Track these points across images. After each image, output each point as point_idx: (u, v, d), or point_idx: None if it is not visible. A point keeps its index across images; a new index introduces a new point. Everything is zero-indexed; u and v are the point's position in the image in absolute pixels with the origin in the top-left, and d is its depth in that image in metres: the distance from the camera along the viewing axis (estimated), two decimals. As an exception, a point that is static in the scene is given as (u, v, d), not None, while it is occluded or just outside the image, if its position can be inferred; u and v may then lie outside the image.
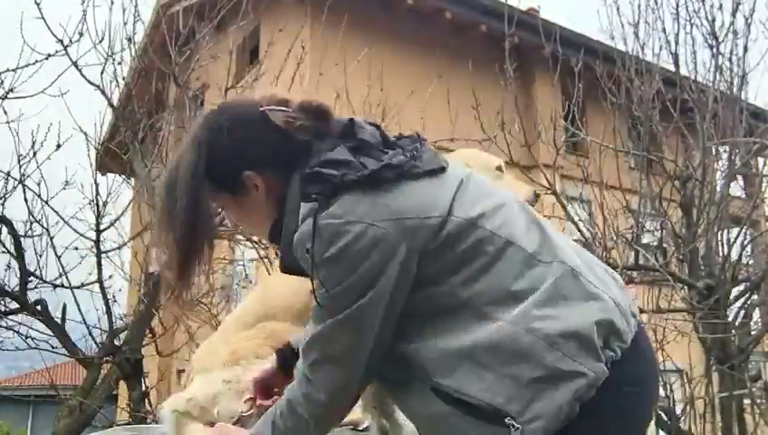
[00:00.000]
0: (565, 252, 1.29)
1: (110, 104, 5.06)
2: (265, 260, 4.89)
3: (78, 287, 4.74)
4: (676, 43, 5.55)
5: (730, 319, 5.26)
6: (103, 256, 4.71)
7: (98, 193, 4.79)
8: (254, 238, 5.08)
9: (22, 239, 4.72)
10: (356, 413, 2.01)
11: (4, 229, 4.74)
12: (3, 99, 4.65)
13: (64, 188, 4.97)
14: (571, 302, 1.22)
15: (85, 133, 4.93)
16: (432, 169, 1.30)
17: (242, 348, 1.76)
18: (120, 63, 4.97)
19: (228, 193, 1.40)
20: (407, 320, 1.28)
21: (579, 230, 5.08)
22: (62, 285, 4.74)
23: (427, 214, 1.24)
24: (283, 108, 1.35)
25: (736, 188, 6.83)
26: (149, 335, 4.90)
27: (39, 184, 4.72)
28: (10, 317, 4.83)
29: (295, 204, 1.29)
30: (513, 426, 1.16)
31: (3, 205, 4.76)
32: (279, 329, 1.80)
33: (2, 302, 4.84)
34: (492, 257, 1.25)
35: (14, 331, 4.86)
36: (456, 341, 1.22)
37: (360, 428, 1.95)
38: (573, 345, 1.18)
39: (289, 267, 1.36)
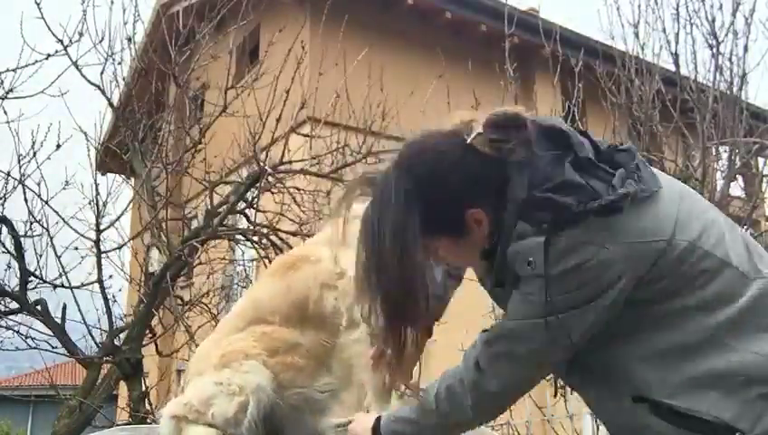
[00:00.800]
0: None
1: (110, 104, 5.06)
2: (265, 260, 4.88)
3: (78, 287, 4.73)
4: (676, 43, 5.55)
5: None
6: (103, 256, 4.70)
7: (98, 193, 4.78)
8: (254, 238, 5.08)
9: (22, 239, 4.72)
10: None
11: (4, 229, 4.73)
12: (3, 99, 4.65)
13: (64, 188, 4.97)
14: None
15: (85, 133, 4.93)
16: (655, 191, 1.29)
17: (232, 351, 1.77)
18: (119, 63, 4.98)
19: (449, 236, 1.33)
20: (616, 334, 1.30)
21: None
22: (62, 285, 4.73)
23: (655, 238, 1.24)
24: (481, 131, 1.30)
25: (736, 188, 6.83)
26: (149, 335, 4.90)
27: (39, 184, 4.72)
28: (10, 317, 4.83)
29: (513, 224, 1.27)
30: None
31: (3, 205, 4.76)
32: (269, 331, 1.80)
33: (2, 302, 4.83)
34: (709, 278, 1.26)
35: (14, 331, 4.86)
36: (683, 364, 1.25)
37: None
38: None
39: (500, 284, 1.36)
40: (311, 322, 1.79)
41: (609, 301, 1.25)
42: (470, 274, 2.03)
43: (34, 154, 4.69)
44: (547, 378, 1.50)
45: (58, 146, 4.74)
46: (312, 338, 1.78)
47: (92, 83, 4.84)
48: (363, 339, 1.73)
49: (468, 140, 1.29)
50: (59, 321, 4.71)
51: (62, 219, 4.77)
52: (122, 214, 4.97)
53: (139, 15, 4.97)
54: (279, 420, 1.73)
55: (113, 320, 4.72)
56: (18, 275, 4.70)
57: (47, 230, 4.72)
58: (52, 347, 4.76)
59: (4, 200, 4.76)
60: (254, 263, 5.68)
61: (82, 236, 4.75)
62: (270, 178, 4.89)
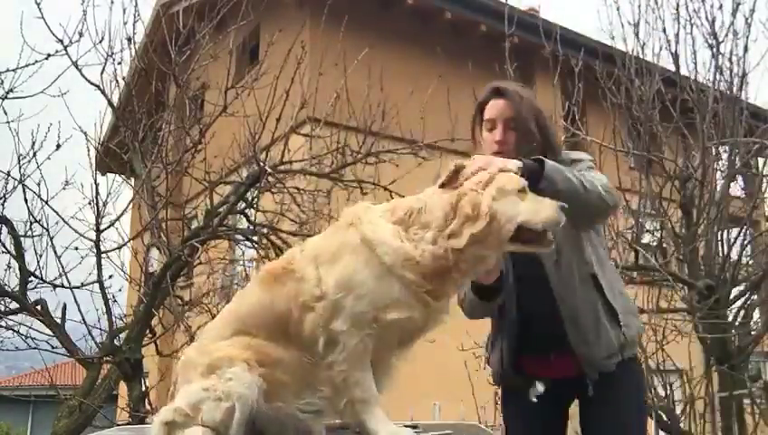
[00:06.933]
0: None
1: (110, 104, 5.06)
2: (265, 260, 4.89)
3: (78, 287, 4.73)
4: (677, 43, 5.55)
5: (730, 319, 5.26)
6: (103, 256, 4.70)
7: (98, 193, 4.78)
8: (254, 238, 5.09)
9: (22, 239, 4.72)
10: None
11: (4, 229, 4.74)
12: (3, 99, 4.65)
13: (64, 188, 4.97)
14: None
15: (85, 133, 4.93)
16: None
17: (217, 358, 1.77)
18: (119, 63, 4.98)
19: None
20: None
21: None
22: (62, 285, 4.73)
23: None
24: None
25: (736, 188, 6.83)
26: (149, 335, 4.90)
27: (39, 184, 4.73)
28: (10, 317, 4.84)
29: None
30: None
31: (3, 205, 4.77)
32: (254, 343, 1.79)
33: (2, 302, 4.84)
34: None
35: (14, 331, 4.86)
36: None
37: (359, 429, 1.95)
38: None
39: None
40: (292, 340, 1.79)
41: None
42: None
43: (34, 154, 4.70)
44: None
45: (58, 146, 4.75)
46: (294, 355, 1.78)
47: (92, 83, 4.84)
48: (342, 358, 1.72)
49: None
50: (59, 321, 4.71)
51: (62, 219, 4.77)
52: (122, 214, 4.97)
53: (139, 15, 4.98)
54: (263, 430, 1.73)
55: (113, 320, 4.72)
56: (18, 275, 4.70)
57: (47, 230, 4.73)
58: (52, 347, 4.76)
59: (5, 200, 4.77)
60: (254, 263, 5.68)
61: (82, 236, 4.75)
62: (270, 178, 4.89)
